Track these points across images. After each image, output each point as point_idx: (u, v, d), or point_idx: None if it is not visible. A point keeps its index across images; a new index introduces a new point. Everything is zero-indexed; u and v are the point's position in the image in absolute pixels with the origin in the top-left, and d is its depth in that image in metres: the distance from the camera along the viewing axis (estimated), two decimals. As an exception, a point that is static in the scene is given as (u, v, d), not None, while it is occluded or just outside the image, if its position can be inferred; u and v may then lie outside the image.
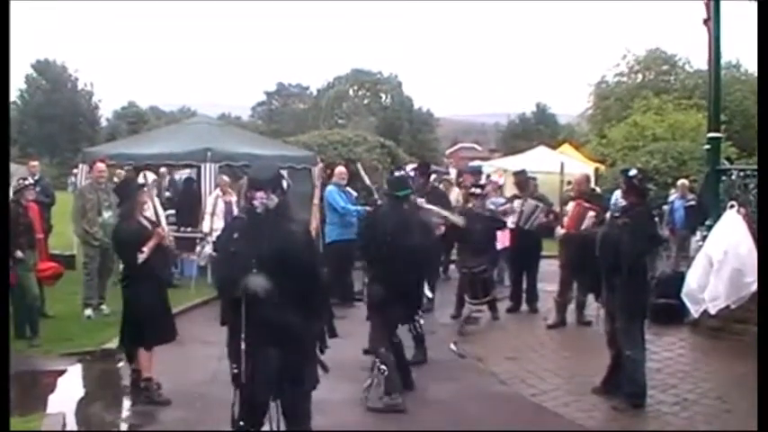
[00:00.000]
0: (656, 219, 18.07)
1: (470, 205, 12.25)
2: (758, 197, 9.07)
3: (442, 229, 11.34)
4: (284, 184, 5.25)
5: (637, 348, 7.56)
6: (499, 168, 23.25)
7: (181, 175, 20.09)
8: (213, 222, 13.71)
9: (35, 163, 15.20)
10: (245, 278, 4.96)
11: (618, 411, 7.47)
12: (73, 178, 35.01)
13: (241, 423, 5.19)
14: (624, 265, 7.39)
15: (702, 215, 12.01)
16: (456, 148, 74.85)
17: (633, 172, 8.04)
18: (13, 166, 16.46)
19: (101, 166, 12.28)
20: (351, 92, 71.48)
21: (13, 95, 62.61)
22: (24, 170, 14.55)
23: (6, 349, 7.03)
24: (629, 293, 7.45)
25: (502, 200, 13.67)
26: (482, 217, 11.71)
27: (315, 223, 7.45)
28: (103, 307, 11.70)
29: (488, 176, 20.03)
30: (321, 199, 13.34)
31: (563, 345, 10.44)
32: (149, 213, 11.86)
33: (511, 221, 12.45)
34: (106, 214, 11.71)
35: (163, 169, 18.03)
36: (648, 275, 7.98)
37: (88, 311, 11.53)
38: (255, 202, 5.12)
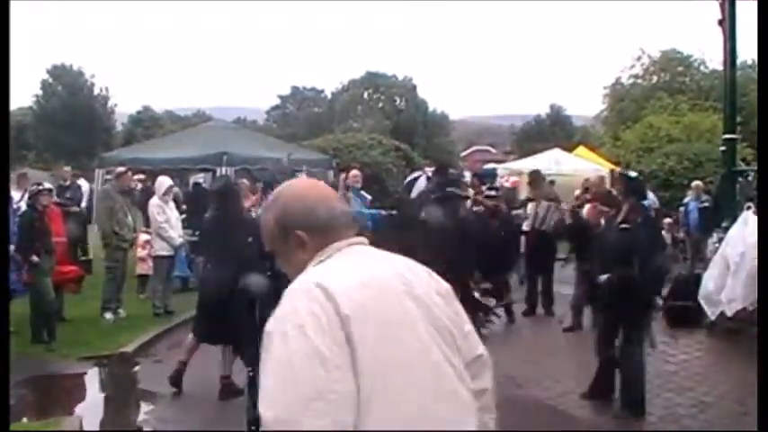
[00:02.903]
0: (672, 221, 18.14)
1: (478, 208, 12.24)
2: (758, 197, 9.01)
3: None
4: None
5: (634, 361, 7.47)
6: (514, 170, 23.21)
7: (195, 179, 20.17)
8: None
9: (67, 168, 15.34)
10: (246, 279, 4.97)
11: (619, 419, 7.42)
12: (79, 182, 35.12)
13: (253, 428, 5.18)
14: (626, 270, 7.36)
15: (718, 217, 11.97)
16: (471, 150, 74.60)
17: (633, 174, 8.01)
18: (30, 172, 16.58)
19: (129, 174, 12.48)
20: (365, 95, 71.37)
21: (30, 101, 62.98)
22: (43, 175, 14.67)
23: (6, 349, 7.06)
24: (632, 301, 7.41)
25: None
26: (498, 219, 11.69)
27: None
28: (120, 310, 11.74)
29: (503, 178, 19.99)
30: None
31: (579, 348, 10.39)
32: (161, 218, 11.99)
33: (526, 225, 12.43)
34: (130, 217, 11.82)
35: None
36: (655, 280, 7.87)
37: (108, 315, 11.54)
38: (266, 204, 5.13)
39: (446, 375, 2.20)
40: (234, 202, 8.59)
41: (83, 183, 16.69)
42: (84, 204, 15.53)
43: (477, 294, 11.30)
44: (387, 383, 2.07)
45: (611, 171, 25.02)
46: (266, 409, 2.02)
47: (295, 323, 2.07)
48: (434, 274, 2.46)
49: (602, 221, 8.79)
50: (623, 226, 7.64)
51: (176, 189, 13.91)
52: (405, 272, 2.33)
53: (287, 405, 1.99)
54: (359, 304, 2.11)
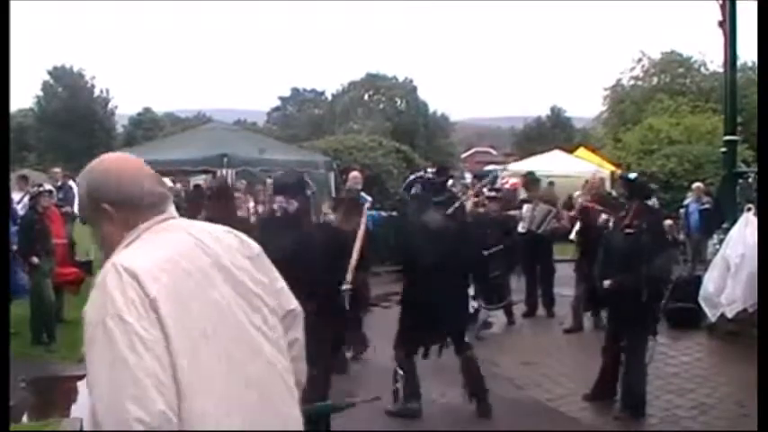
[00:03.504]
0: (672, 222, 18.11)
1: (481, 210, 12.19)
2: (758, 198, 9.01)
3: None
4: (307, 191, 5.30)
5: (640, 362, 7.45)
6: (514, 172, 23.21)
7: (195, 180, 20.16)
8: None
9: (57, 170, 15.30)
10: None
11: (619, 420, 7.42)
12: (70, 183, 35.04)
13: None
14: (629, 275, 7.34)
15: (719, 218, 11.95)
16: (471, 152, 74.69)
17: (633, 175, 7.98)
18: (34, 174, 16.58)
19: None
20: (366, 96, 71.31)
21: (30, 102, 63.08)
22: (44, 177, 14.65)
23: (6, 350, 7.06)
24: (636, 306, 7.37)
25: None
26: (497, 222, 11.66)
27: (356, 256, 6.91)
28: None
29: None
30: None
31: (579, 349, 10.39)
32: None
33: (522, 226, 12.36)
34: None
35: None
36: (658, 284, 7.82)
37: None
38: (275, 206, 5.23)
39: (252, 338, 2.34)
40: (226, 203, 8.58)
41: (73, 184, 16.68)
42: (76, 206, 15.51)
43: (471, 295, 11.30)
44: (196, 359, 2.15)
45: (612, 173, 25.08)
46: (98, 402, 2.05)
47: (113, 312, 2.11)
48: (245, 238, 2.58)
49: (610, 224, 8.80)
50: (627, 231, 7.62)
51: (179, 186, 13.88)
52: (211, 243, 2.41)
53: (120, 395, 2.02)
54: (164, 284, 2.18)
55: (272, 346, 2.40)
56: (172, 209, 2.52)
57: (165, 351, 2.10)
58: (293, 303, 2.66)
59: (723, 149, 12.02)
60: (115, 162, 2.51)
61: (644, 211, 7.86)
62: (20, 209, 11.23)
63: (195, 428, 2.09)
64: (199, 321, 2.21)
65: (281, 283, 2.62)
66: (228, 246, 2.46)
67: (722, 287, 9.78)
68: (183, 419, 2.08)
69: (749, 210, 9.68)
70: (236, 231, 2.59)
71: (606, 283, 7.58)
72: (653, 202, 18.36)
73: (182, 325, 2.16)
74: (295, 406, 2.46)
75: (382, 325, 8.18)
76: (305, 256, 5.09)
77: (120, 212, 2.39)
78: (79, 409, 7.95)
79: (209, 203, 8.66)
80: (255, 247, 2.57)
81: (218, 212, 8.26)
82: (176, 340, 2.12)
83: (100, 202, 2.40)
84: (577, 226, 11.29)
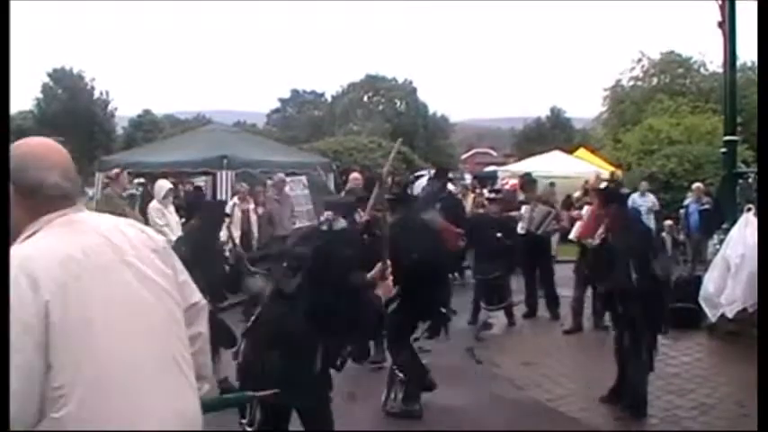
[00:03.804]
0: (672, 223, 18.13)
1: (481, 211, 12.19)
2: (758, 199, 9.00)
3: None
4: (356, 216, 5.55)
5: (640, 361, 7.45)
6: (514, 173, 23.23)
7: (196, 182, 20.19)
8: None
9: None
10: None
11: (620, 420, 7.41)
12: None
13: (248, 428, 5.12)
14: (618, 279, 7.34)
15: (719, 218, 11.95)
16: (471, 153, 74.65)
17: (603, 184, 8.02)
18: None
19: (125, 174, 12.45)
20: (365, 98, 71.21)
21: (30, 104, 62.89)
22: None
23: (6, 350, 7.06)
24: (634, 307, 7.37)
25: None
26: (497, 222, 11.66)
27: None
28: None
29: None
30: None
31: (579, 350, 10.40)
32: (161, 222, 11.97)
33: (521, 227, 12.35)
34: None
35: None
36: (658, 284, 7.80)
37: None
38: (322, 218, 5.56)
39: (155, 332, 2.34)
40: (213, 223, 8.69)
41: None
42: None
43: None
44: (95, 356, 2.15)
45: (612, 173, 25.10)
46: None
47: None
48: (150, 231, 2.61)
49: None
50: (604, 236, 7.70)
51: (180, 187, 13.86)
52: (116, 238, 2.39)
53: None
54: (61, 285, 2.15)
55: (176, 339, 2.41)
56: (80, 204, 2.48)
57: (38, 358, 2.09)
58: (197, 296, 2.66)
59: (723, 150, 12.01)
60: (33, 147, 2.44)
61: (619, 217, 7.89)
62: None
63: (93, 424, 2.11)
64: (99, 319, 2.19)
65: (185, 276, 2.61)
66: (133, 240, 2.43)
67: (722, 287, 9.78)
68: (73, 416, 2.09)
69: (749, 210, 9.68)
70: (140, 225, 2.60)
71: (599, 288, 7.64)
72: (652, 202, 18.51)
73: (78, 325, 2.14)
74: (195, 400, 2.47)
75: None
76: (332, 265, 5.08)
77: (18, 195, 2.34)
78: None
79: (199, 214, 8.78)
80: (161, 240, 2.57)
81: (204, 226, 8.41)
82: (71, 341, 2.11)
83: (7, 180, 2.36)
84: (577, 226, 11.29)
